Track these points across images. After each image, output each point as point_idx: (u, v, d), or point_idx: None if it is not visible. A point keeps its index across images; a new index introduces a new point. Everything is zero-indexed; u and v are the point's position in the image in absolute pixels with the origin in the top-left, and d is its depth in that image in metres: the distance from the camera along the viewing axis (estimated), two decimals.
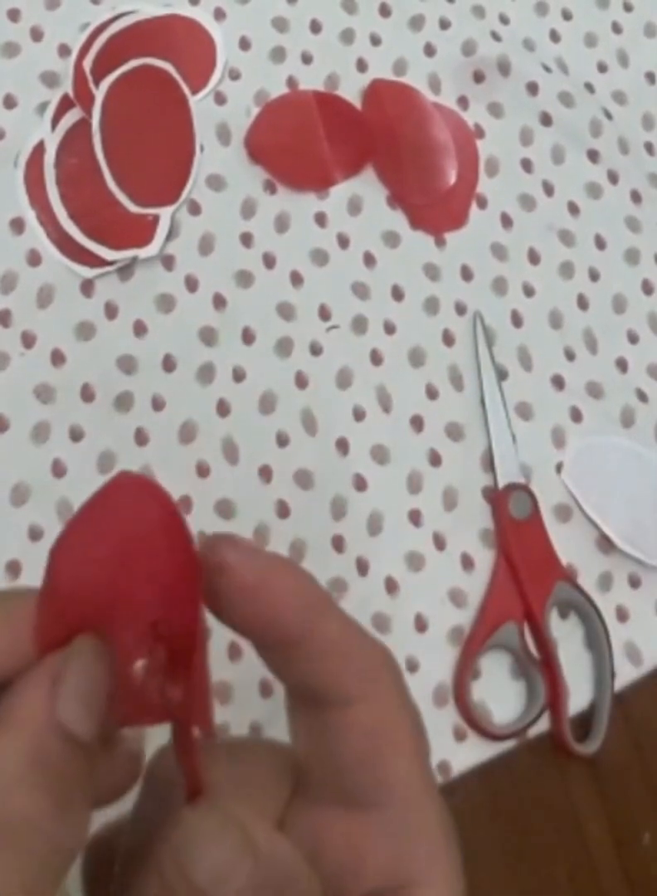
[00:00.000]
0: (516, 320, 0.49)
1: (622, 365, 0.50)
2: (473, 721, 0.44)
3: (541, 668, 0.44)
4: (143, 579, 0.22)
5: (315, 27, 0.52)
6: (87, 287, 0.47)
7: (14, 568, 0.43)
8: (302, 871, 0.22)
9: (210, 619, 0.22)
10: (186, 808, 0.22)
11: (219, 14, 0.52)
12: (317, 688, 0.23)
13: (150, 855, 0.22)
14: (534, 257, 0.50)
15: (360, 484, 0.46)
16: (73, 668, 0.21)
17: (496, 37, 0.53)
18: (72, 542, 0.22)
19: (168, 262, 0.48)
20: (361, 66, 0.52)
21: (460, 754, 0.44)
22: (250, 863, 0.21)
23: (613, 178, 0.52)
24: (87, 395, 0.46)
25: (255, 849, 0.21)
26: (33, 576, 0.46)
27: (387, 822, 0.23)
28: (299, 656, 0.23)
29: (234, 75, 0.51)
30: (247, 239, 0.49)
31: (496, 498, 0.46)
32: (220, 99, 0.50)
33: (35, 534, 0.44)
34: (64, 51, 0.50)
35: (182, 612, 0.22)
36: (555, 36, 0.54)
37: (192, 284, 0.48)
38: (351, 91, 0.51)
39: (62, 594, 0.22)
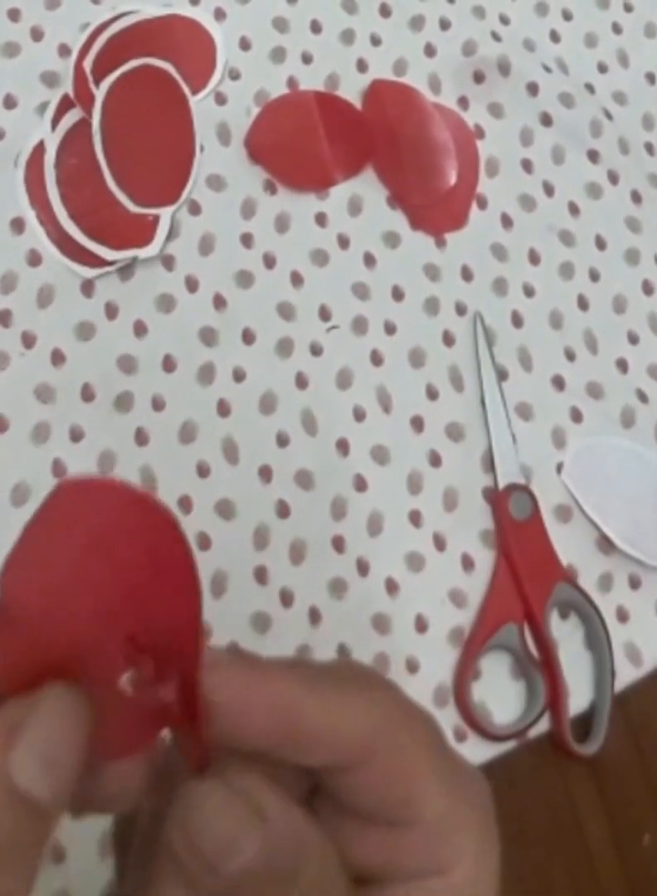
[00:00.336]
0: (516, 321, 0.49)
1: (622, 365, 0.50)
2: (474, 722, 0.44)
3: (542, 669, 0.44)
4: (112, 588, 0.20)
5: (315, 27, 0.52)
6: (87, 287, 0.47)
7: None
8: (317, 844, 0.22)
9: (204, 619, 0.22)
10: (193, 780, 0.22)
11: (219, 14, 0.52)
12: (316, 767, 0.23)
13: (162, 827, 0.22)
14: (534, 258, 0.50)
15: (361, 484, 0.46)
16: (35, 720, 0.20)
17: (496, 37, 0.53)
18: (19, 564, 0.20)
19: (168, 262, 0.48)
20: (361, 66, 0.52)
21: (460, 754, 0.44)
22: (259, 835, 0.21)
23: (613, 178, 0.52)
24: (87, 395, 0.46)
25: (265, 819, 0.21)
26: None
27: (417, 834, 0.23)
28: (287, 754, 0.22)
29: (235, 75, 0.51)
30: (247, 239, 0.49)
31: (496, 498, 0.46)
32: (220, 99, 0.50)
33: None
34: (64, 51, 0.50)
35: (165, 612, 0.20)
36: (555, 36, 0.54)
37: (192, 285, 0.48)
38: (351, 91, 0.51)
39: (20, 623, 0.20)
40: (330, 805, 0.24)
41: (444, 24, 0.53)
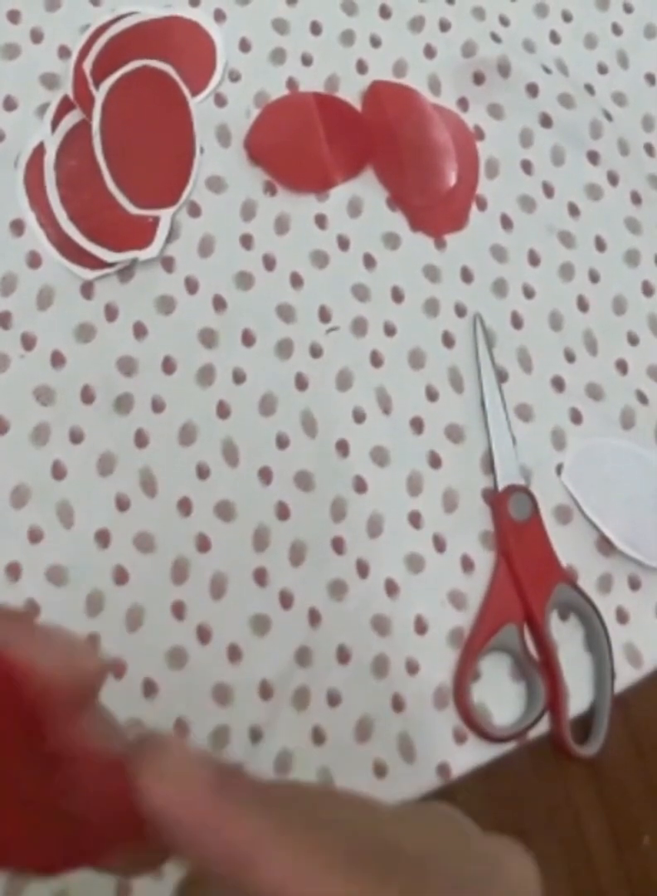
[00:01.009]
0: (516, 322, 0.49)
1: (622, 366, 0.50)
2: (473, 723, 0.44)
3: (541, 670, 0.44)
4: None
5: (315, 29, 0.52)
6: (87, 289, 0.47)
7: (14, 570, 0.43)
8: None
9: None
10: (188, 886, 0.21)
11: (219, 15, 0.52)
12: None
13: None
14: (534, 259, 0.50)
15: (360, 486, 0.46)
16: None
17: (496, 38, 0.53)
18: None
19: (168, 263, 0.48)
20: (361, 67, 0.52)
21: (460, 756, 0.44)
22: None
23: (613, 179, 0.52)
24: (86, 396, 0.46)
25: None
26: (33, 577, 0.46)
27: None
28: (238, 891, 0.20)
29: (234, 77, 0.51)
30: (247, 240, 0.49)
31: (496, 500, 0.46)
32: (220, 100, 0.50)
33: (35, 536, 0.44)
34: (64, 52, 0.50)
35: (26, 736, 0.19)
36: (555, 37, 0.54)
37: (192, 286, 0.48)
38: (351, 92, 0.51)
39: None
40: None
41: (444, 26, 0.53)
